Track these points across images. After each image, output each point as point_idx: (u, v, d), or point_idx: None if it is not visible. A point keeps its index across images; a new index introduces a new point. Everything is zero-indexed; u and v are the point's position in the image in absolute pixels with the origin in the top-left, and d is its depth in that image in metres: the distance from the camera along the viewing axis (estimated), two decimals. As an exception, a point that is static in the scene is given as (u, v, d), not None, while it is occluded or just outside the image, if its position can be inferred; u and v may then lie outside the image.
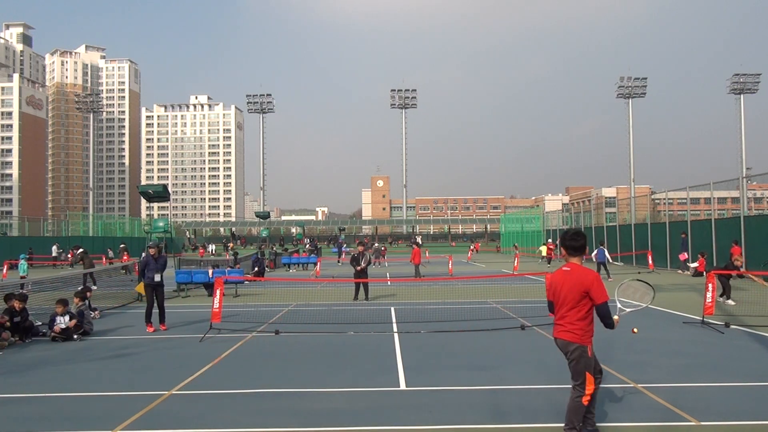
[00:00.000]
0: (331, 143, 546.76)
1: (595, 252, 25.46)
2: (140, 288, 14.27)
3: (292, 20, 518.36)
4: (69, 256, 33.82)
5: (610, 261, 26.11)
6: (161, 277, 12.02)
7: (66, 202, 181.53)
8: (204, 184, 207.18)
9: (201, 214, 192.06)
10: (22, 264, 25.70)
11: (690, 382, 7.25)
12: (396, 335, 10.89)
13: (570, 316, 5.03)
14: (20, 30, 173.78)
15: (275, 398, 6.79)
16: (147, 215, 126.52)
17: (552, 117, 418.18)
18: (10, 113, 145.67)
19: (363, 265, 17.48)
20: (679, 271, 27.66)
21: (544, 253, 39.99)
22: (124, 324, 12.81)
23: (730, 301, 15.09)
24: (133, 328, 12.21)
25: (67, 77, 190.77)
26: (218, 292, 11.32)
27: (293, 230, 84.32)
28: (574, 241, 5.20)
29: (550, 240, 40.32)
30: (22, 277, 22.54)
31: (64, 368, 8.51)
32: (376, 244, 53.52)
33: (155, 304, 11.97)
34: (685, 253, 27.21)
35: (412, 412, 6.13)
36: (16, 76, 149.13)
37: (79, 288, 14.63)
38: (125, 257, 34.35)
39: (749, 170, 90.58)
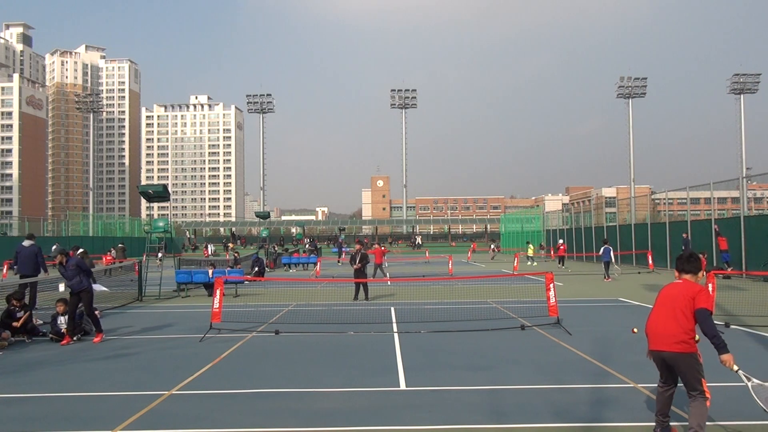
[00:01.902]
0: (331, 143, 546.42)
1: (601, 251, 25.27)
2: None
3: (292, 20, 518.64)
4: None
5: (613, 261, 25.55)
6: (80, 282, 10.71)
7: (66, 202, 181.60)
8: (204, 184, 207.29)
9: (201, 214, 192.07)
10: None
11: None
12: (396, 335, 10.89)
13: (684, 325, 4.98)
14: (20, 30, 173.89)
15: (275, 398, 6.79)
16: (147, 215, 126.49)
17: (552, 117, 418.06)
18: (10, 113, 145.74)
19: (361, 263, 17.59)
20: None
21: (530, 253, 39.80)
22: (124, 324, 12.83)
23: None
24: (133, 328, 12.24)
25: (67, 77, 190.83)
26: (218, 292, 11.34)
27: (293, 230, 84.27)
28: (689, 265, 5.23)
29: (561, 240, 39.74)
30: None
31: (64, 368, 8.52)
32: (376, 245, 53.38)
33: (86, 311, 10.86)
34: None
35: (412, 412, 6.13)
36: (16, 76, 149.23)
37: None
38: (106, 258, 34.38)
39: (749, 170, 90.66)
